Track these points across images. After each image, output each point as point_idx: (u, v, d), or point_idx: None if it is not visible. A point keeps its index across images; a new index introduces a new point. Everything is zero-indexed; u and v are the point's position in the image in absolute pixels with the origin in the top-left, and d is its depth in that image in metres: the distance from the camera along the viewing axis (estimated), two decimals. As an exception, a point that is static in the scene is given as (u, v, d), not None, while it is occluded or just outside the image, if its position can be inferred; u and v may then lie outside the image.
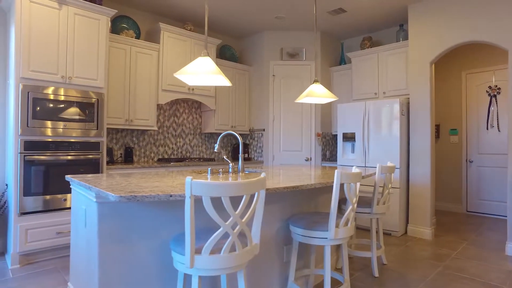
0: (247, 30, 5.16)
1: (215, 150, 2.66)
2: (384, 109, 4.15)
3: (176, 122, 4.73)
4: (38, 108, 2.97)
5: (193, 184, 1.36)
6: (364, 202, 2.93)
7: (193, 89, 4.46)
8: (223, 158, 5.34)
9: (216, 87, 4.86)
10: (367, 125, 4.30)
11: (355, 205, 2.06)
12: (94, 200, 1.61)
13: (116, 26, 4.05)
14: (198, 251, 1.43)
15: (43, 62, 3.00)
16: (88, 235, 1.71)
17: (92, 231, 1.65)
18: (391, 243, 3.76)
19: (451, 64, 5.68)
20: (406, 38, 4.55)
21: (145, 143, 4.38)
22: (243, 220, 1.46)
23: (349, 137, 4.48)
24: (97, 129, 3.35)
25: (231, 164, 2.55)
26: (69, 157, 3.16)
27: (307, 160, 5.07)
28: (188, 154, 4.85)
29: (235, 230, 1.44)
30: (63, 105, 3.12)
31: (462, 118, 5.54)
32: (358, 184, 2.11)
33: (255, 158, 5.27)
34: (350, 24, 4.86)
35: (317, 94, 2.80)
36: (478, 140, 5.39)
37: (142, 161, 4.34)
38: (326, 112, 5.21)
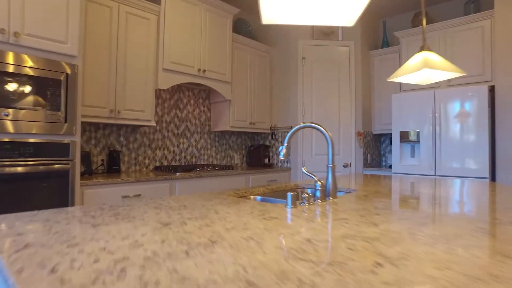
0: (268, 0, 4.02)
1: (281, 157, 1.52)
2: (463, 100, 3.12)
3: (178, 117, 3.51)
4: (-40, 84, 1.70)
5: None
6: None
7: (204, 71, 3.26)
8: (280, 165, 4.16)
9: (232, 71, 3.69)
10: (438, 121, 3.25)
11: None
12: None
13: (97, -24, 2.79)
14: None
15: (-31, 4, 1.74)
16: None
17: None
18: None
19: None
20: (477, 10, 3.56)
21: (137, 144, 3.14)
22: None
23: (409, 137, 3.43)
24: (66, 123, 2.10)
25: (318, 183, 1.40)
26: (19, 169, 1.91)
27: (345, 166, 3.98)
28: (194, 160, 3.64)
29: None
30: (7, 81, 1.86)
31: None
32: None
33: (279, 165, 4.13)
34: (402, -6, 3.83)
35: (438, 65, 1.71)
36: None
37: (133, 170, 3.10)
38: (364, 105, 4.15)
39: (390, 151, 4.39)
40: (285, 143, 1.57)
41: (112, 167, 2.84)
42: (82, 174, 2.50)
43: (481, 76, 3.37)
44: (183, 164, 3.53)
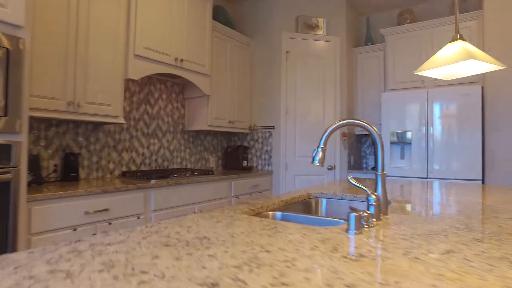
0: (249, -13, 3.67)
1: (316, 162, 1.20)
2: (457, 100, 3.03)
3: (148, 113, 3.00)
4: None
5: None
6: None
7: (181, 61, 2.81)
8: (260, 168, 3.74)
9: (212, 63, 3.27)
10: (431, 122, 3.14)
11: None
12: None
13: None
14: None
15: None
16: None
17: None
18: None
19: None
20: (463, 11, 3.53)
21: (100, 145, 2.60)
22: None
23: (400, 138, 3.28)
24: (7, 116, 1.56)
25: (372, 197, 1.07)
26: None
27: (330, 168, 3.75)
28: (166, 164, 3.15)
29: None
30: None
31: None
32: None
33: (259, 167, 3.78)
34: (388, -10, 3.70)
35: (483, 56, 1.48)
36: None
37: (95, 177, 2.54)
38: (348, 105, 3.96)
39: (372, 152, 4.27)
40: (321, 145, 1.22)
41: (69, 174, 2.28)
42: (29, 185, 1.93)
43: (466, 78, 3.33)
44: (154, 169, 3.03)
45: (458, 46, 1.55)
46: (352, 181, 1.13)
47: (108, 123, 2.50)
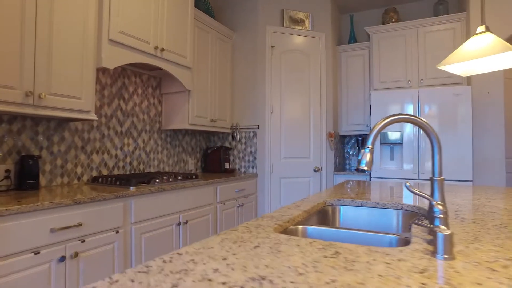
0: (232, -24, 3.40)
1: (363, 166, 1.00)
2: (447, 100, 3.00)
3: (122, 110, 2.63)
4: None
5: None
6: None
7: (162, 50, 2.47)
8: (244, 170, 3.42)
9: (195, 55, 2.96)
10: (421, 122, 3.08)
11: None
12: None
13: None
14: None
15: None
16: None
17: None
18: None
19: None
20: (446, 12, 3.55)
21: (66, 146, 2.19)
22: None
23: (392, 139, 3.20)
24: None
25: (438, 208, 0.88)
26: None
27: (316, 170, 3.59)
28: (141, 167, 2.78)
29: None
30: None
31: None
32: None
33: (242, 170, 3.52)
34: (374, -13, 3.63)
35: (516, 47, 1.37)
36: None
37: (59, 184, 2.14)
38: (333, 104, 3.84)
39: (354, 154, 4.19)
40: (369, 145, 1.01)
41: (26, 181, 1.86)
42: (-27, 196, 1.52)
43: (452, 77, 3.34)
44: (129, 173, 2.66)
45: (490, 38, 1.42)
46: (414, 190, 0.93)
47: (76, 120, 2.11)
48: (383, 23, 3.78)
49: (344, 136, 4.23)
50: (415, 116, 0.99)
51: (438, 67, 1.61)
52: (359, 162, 1.03)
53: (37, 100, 1.72)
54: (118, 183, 2.11)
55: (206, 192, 2.58)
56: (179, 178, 2.42)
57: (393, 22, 3.72)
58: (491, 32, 1.48)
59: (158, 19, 2.46)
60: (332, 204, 1.58)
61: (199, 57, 3.04)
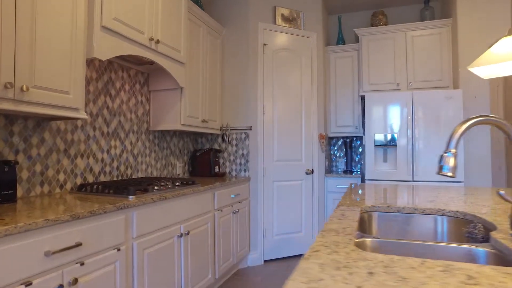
0: (223, -32, 3.20)
1: (447, 172, 0.91)
2: (439, 103, 3.05)
3: (109, 108, 2.33)
4: None
5: None
6: None
7: (157, 42, 2.22)
8: (235, 174, 3.17)
9: (189, 49, 2.73)
10: (416, 124, 3.11)
11: None
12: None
13: None
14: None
15: None
16: None
17: None
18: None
19: None
20: (432, 17, 3.64)
21: (46, 149, 1.87)
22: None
23: (386, 141, 3.19)
24: None
25: None
26: None
27: (308, 173, 3.50)
28: (129, 172, 2.49)
29: None
30: None
31: None
32: None
33: (233, 173, 3.32)
34: (364, -11, 3.63)
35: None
36: None
37: (39, 194, 1.81)
38: (324, 106, 3.78)
39: (341, 156, 4.17)
40: (452, 149, 0.90)
41: (0, 193, 1.54)
42: None
43: (439, 81, 3.43)
44: (117, 179, 2.36)
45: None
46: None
47: (63, 118, 1.80)
48: (372, 25, 3.80)
49: (331, 138, 4.20)
50: (499, 118, 0.89)
51: (469, 69, 1.57)
52: (440, 167, 0.92)
53: (19, 94, 1.42)
54: (109, 191, 1.84)
55: (204, 199, 2.37)
56: (177, 184, 2.18)
57: (381, 25, 3.75)
58: (524, 34, 1.46)
59: (153, 8, 2.20)
60: (367, 211, 1.46)
61: (191, 52, 2.81)
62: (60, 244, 1.27)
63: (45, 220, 1.21)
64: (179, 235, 2.03)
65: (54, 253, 1.23)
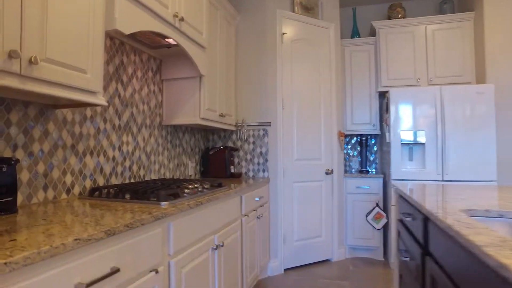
0: None
1: None
2: (469, 98, 2.88)
3: (120, 97, 1.96)
4: None
5: None
6: None
7: (182, 19, 1.88)
8: (253, 174, 2.82)
9: (209, 33, 2.40)
10: (444, 122, 2.92)
11: None
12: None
13: None
14: None
15: None
16: None
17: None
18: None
19: None
20: (452, 11, 3.49)
21: (51, 144, 1.48)
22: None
23: (413, 139, 2.99)
24: None
25: None
26: None
27: (328, 173, 3.24)
28: (142, 173, 2.12)
29: None
30: None
31: None
32: None
33: (250, 174, 3.01)
34: (384, -22, 3.43)
35: None
36: None
37: (43, 201, 1.43)
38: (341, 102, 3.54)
39: (355, 155, 3.95)
40: None
41: (-3, 200, 1.16)
42: None
43: (461, 77, 3.28)
44: (129, 181, 1.99)
45: None
46: None
47: (78, 105, 1.43)
48: (389, 18, 3.60)
49: (345, 136, 3.96)
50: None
51: None
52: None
53: (26, 68, 1.05)
54: (132, 197, 1.49)
55: (233, 204, 2.04)
56: (205, 186, 1.85)
57: (399, 18, 3.56)
58: None
59: (176, -22, 1.86)
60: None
61: (209, 37, 2.47)
62: (94, 272, 0.92)
63: (76, 240, 0.86)
64: (214, 247, 1.69)
65: (88, 286, 0.88)
